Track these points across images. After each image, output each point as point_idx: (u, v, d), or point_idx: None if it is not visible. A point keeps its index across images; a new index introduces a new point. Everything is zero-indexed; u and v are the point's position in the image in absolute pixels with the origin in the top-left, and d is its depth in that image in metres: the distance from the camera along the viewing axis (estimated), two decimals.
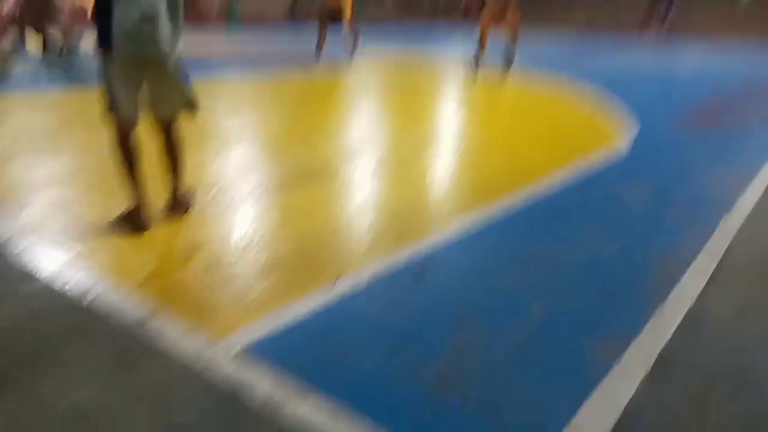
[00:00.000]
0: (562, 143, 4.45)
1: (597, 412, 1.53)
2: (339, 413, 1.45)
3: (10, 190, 2.93)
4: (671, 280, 2.24)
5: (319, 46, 8.62)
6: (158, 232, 2.48)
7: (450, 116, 5.56)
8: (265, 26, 15.93)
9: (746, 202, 3.14)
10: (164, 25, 2.27)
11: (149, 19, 2.21)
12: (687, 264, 2.37)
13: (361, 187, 3.25)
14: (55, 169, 3.27)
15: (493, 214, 2.86)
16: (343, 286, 2.09)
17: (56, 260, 2.18)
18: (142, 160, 2.49)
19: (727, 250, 2.52)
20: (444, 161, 3.90)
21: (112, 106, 2.36)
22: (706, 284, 2.21)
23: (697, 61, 10.92)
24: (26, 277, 2.05)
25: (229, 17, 16.21)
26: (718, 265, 2.37)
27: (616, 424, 1.49)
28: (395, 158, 3.84)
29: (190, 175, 2.83)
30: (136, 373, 1.58)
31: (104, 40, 2.27)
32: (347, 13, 8.99)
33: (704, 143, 4.62)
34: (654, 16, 15.74)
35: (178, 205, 2.65)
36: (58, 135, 4.07)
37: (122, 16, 2.21)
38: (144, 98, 2.45)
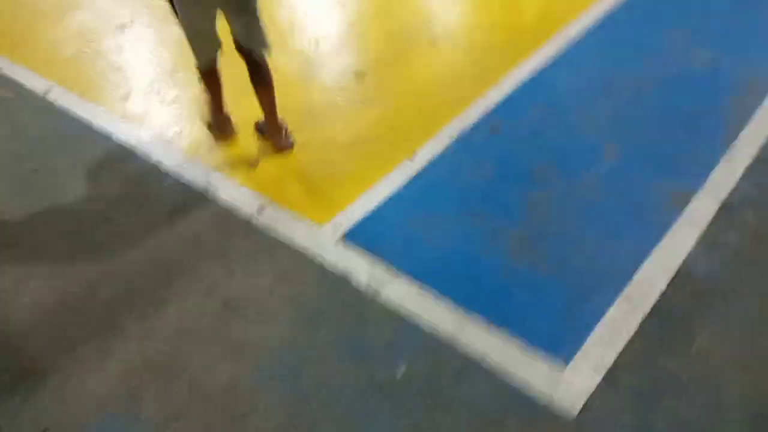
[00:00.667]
0: None
1: (659, 263, 1.73)
2: (425, 295, 1.76)
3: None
4: (749, 110, 2.20)
5: None
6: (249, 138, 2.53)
7: None
8: None
9: None
10: None
11: None
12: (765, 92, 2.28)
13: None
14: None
15: (571, 34, 2.78)
16: (423, 155, 2.27)
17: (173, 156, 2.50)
18: (225, 85, 2.39)
19: None
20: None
21: (194, 51, 2.20)
22: None
23: None
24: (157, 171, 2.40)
25: None
26: None
27: (676, 274, 1.70)
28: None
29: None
30: (266, 261, 1.95)
31: None
32: None
33: None
34: None
35: (273, 132, 2.43)
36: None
37: None
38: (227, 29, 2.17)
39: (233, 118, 2.52)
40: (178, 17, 2.10)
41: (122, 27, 3.47)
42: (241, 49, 2.20)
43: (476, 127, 2.35)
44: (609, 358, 1.53)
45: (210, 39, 2.17)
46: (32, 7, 3.98)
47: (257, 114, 2.37)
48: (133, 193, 2.31)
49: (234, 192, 2.25)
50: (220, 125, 2.52)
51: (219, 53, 2.24)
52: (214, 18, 2.11)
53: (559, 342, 1.57)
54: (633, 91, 2.38)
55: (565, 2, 3.08)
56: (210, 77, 2.33)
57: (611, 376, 1.49)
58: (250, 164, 2.38)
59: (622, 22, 2.85)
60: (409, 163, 2.23)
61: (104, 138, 2.61)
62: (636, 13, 2.90)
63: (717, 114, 2.22)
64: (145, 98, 2.85)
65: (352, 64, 2.88)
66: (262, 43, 2.19)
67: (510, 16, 3.10)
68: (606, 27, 2.82)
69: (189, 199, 2.23)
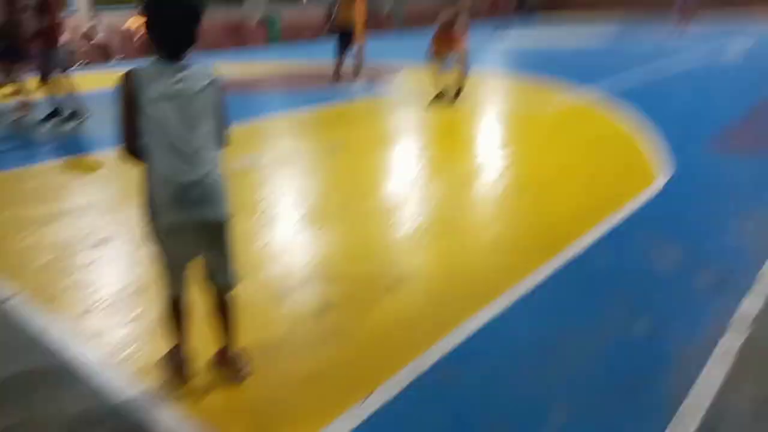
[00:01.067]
0: (593, 184, 4.49)
1: None
2: None
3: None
4: (693, 373, 2.31)
5: (336, 68, 8.60)
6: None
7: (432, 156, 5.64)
8: (302, 42, 16.30)
9: None
10: (218, 182, 2.11)
11: (197, 168, 2.05)
12: (709, 351, 2.43)
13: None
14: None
15: (520, 290, 2.97)
16: (375, 399, 2.25)
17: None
18: (191, 318, 2.41)
19: (750, 334, 2.56)
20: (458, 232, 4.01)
21: (165, 281, 2.26)
22: (726, 378, 2.27)
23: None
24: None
25: (269, 36, 16.76)
26: (740, 351, 2.42)
27: None
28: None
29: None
30: None
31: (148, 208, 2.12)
32: (357, 29, 9.14)
33: (747, 170, 4.56)
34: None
35: (229, 363, 2.40)
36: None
37: (160, 169, 2.04)
38: (197, 268, 2.28)
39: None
40: (153, 245, 2.21)
41: (99, 243, 3.62)
42: (206, 281, 2.30)
43: (430, 374, 2.38)
44: None
45: (182, 271, 2.25)
46: (14, 215, 4.16)
47: (213, 344, 2.38)
48: (68, 416, 2.19)
49: (178, 424, 2.15)
50: (177, 365, 2.39)
51: (188, 285, 2.30)
52: (189, 254, 2.24)
53: None
54: (580, 353, 2.49)
55: (522, 259, 3.35)
56: (177, 309, 2.33)
57: None
58: (198, 392, 2.32)
59: (572, 281, 3.09)
60: (358, 408, 2.20)
61: (52, 354, 2.56)
62: (572, 289, 3.15)
63: (659, 383, 2.31)
64: (105, 316, 2.86)
65: (317, 298, 2.98)
66: (230, 278, 2.29)
67: (469, 266, 3.33)
68: (553, 287, 3.04)
69: (128, 427, 2.12)
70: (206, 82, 2.10)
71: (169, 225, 2.11)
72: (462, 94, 7.80)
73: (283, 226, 3.98)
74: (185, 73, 2.07)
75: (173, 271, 2.24)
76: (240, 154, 5.55)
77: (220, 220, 2.18)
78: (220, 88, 2.16)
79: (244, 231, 3.60)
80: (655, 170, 4.67)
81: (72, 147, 6.38)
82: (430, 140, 6.50)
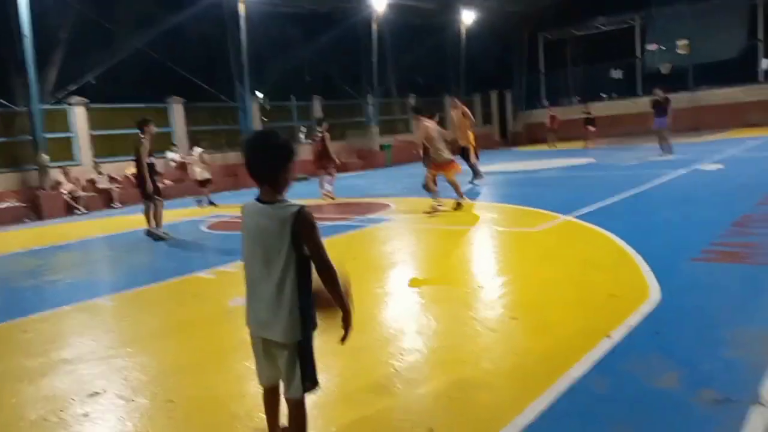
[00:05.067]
0: (585, 306, 4.52)
1: None
2: None
3: None
4: None
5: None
6: None
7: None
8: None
9: None
10: (285, 309, 2.39)
11: (268, 303, 2.41)
12: None
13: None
14: None
15: (518, 425, 2.91)
16: None
17: None
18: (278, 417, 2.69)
19: None
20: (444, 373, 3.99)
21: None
22: None
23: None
24: None
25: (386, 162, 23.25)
26: None
27: None
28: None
29: None
30: None
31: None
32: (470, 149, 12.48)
33: (736, 280, 4.63)
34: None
35: None
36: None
37: (251, 293, 2.50)
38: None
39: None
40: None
41: (94, 395, 3.57)
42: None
43: None
44: None
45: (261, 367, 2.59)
46: (9, 365, 4.13)
47: None
48: None
49: None
50: None
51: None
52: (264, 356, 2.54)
53: None
54: None
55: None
56: (266, 398, 2.65)
57: None
58: None
59: None
60: None
61: None
62: None
63: None
64: None
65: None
66: (296, 387, 2.48)
67: (468, 400, 3.27)
68: (552, 419, 2.98)
69: None
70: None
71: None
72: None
73: None
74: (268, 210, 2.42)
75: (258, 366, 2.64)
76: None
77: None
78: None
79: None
80: (645, 287, 4.74)
81: (65, 296, 6.44)
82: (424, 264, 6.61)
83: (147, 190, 8.92)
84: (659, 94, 16.74)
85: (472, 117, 13.27)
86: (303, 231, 2.37)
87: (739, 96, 25.78)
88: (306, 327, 2.45)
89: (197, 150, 13.92)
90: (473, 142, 13.00)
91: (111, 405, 3.45)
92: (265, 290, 2.42)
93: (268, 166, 2.40)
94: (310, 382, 2.50)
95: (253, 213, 2.45)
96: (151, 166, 8.98)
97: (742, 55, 25.19)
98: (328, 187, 12.42)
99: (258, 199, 2.46)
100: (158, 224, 9.30)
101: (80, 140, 16.41)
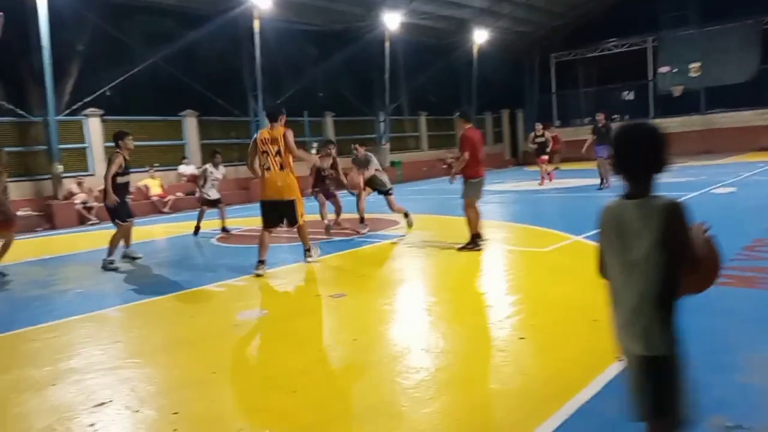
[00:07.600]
0: (596, 327, 4.48)
1: None
2: None
3: None
4: None
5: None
6: None
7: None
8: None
9: None
10: (655, 318, 2.23)
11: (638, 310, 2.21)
12: None
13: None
14: None
15: None
16: None
17: None
18: None
19: None
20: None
21: None
22: None
23: None
24: None
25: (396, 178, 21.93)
26: None
27: None
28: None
29: None
30: None
31: None
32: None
33: (748, 304, 4.57)
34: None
35: None
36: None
37: (617, 301, 2.33)
38: None
39: None
40: None
41: (100, 405, 3.57)
42: None
43: None
44: None
45: None
46: (16, 375, 4.13)
47: None
48: None
49: None
50: None
51: None
52: None
53: None
54: None
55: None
56: None
57: None
58: None
59: None
60: None
61: None
62: None
63: None
64: None
65: None
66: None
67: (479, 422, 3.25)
68: None
69: None
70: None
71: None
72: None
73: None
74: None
75: None
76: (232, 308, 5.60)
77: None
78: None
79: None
80: None
81: (70, 308, 6.47)
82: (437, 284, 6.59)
83: (108, 204, 8.21)
84: (601, 119, 14.54)
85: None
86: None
87: (751, 119, 25.72)
88: None
89: (222, 170, 11.78)
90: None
91: (117, 415, 3.45)
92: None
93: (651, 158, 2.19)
94: None
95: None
96: (124, 185, 8.36)
97: (754, 79, 25.12)
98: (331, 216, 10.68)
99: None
100: (125, 245, 8.72)
101: (94, 151, 16.57)
